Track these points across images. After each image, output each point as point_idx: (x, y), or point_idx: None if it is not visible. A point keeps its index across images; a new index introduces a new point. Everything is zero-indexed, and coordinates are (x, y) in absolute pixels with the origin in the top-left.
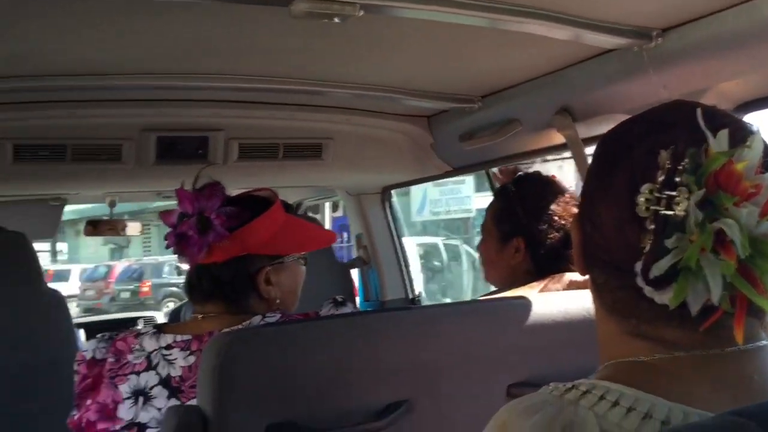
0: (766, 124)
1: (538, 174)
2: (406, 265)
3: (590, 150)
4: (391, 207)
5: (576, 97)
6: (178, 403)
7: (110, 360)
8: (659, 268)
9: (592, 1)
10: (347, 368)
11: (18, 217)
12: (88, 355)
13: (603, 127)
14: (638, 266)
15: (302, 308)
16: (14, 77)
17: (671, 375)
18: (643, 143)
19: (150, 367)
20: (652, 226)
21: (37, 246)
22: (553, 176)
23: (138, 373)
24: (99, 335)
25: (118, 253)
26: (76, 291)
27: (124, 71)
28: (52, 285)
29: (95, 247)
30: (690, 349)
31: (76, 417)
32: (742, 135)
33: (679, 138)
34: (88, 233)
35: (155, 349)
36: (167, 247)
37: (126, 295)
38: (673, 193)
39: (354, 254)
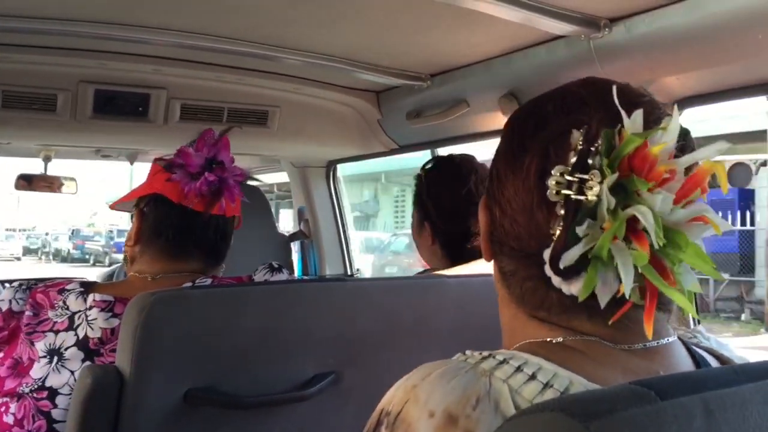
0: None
1: (448, 157)
2: (347, 242)
3: None
4: (335, 182)
5: (522, 82)
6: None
7: (28, 313)
8: (569, 257)
9: None
10: (275, 336)
11: None
12: (4, 306)
13: None
14: (547, 254)
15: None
16: None
17: (586, 356)
18: (554, 122)
19: (71, 327)
20: (562, 212)
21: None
22: (471, 158)
23: (56, 332)
24: (15, 283)
25: (364, 222)
26: None
27: (63, 16)
28: None
29: None
30: (599, 341)
31: None
32: (657, 115)
33: (592, 117)
34: (21, 188)
35: (80, 310)
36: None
37: None
38: (585, 177)
39: None
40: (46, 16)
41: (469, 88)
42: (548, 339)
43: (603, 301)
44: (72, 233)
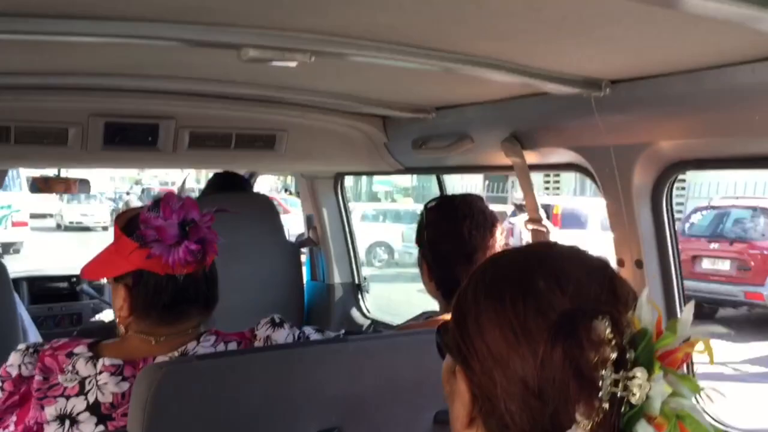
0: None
1: (448, 199)
2: (354, 250)
3: (536, 176)
4: (342, 191)
5: (524, 126)
6: (104, 429)
7: (38, 378)
8: None
9: (544, 53)
10: (279, 398)
11: None
12: (14, 372)
13: (551, 158)
14: None
15: (252, 283)
16: None
17: None
18: (558, 304)
19: (81, 392)
20: (606, 406)
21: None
22: (471, 201)
23: (68, 397)
24: (22, 347)
25: None
26: None
27: (71, 69)
28: None
29: None
30: None
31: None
32: (633, 294)
33: (607, 303)
34: (38, 190)
35: (90, 375)
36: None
37: None
38: (631, 375)
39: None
40: (57, 69)
41: (473, 124)
42: None
43: None
44: (142, 192)
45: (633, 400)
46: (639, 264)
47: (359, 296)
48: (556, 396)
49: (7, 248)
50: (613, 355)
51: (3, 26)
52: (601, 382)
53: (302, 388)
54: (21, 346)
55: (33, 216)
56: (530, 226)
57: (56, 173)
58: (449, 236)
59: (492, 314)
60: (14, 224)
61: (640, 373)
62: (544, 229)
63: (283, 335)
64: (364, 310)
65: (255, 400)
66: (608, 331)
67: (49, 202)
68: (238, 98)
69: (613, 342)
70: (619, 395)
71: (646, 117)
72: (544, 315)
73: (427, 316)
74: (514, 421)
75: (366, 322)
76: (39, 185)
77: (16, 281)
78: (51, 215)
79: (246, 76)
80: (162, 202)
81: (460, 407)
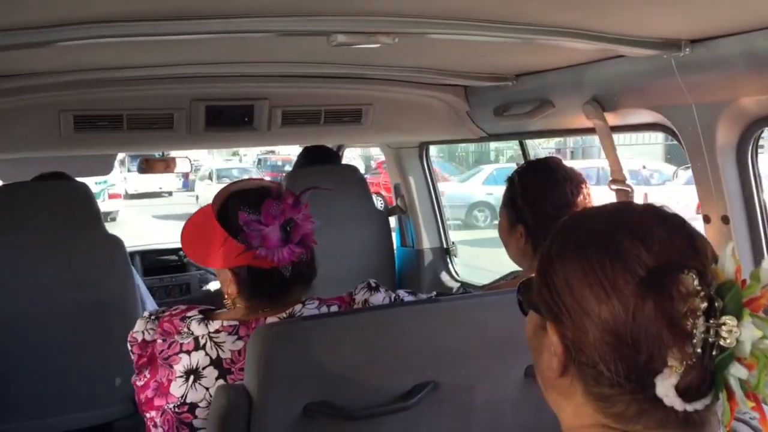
0: None
1: (542, 162)
2: (441, 215)
3: (618, 137)
4: (428, 160)
5: (605, 89)
6: (224, 383)
7: (159, 341)
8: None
9: (621, 19)
10: (377, 355)
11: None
12: (139, 337)
13: (632, 119)
14: (666, 382)
15: (347, 252)
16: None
17: None
18: (643, 259)
19: (198, 347)
20: (699, 350)
21: None
22: (561, 163)
23: (188, 353)
24: (146, 315)
25: None
26: None
27: (173, 60)
28: None
29: None
30: None
31: (139, 384)
32: (711, 248)
33: (691, 258)
34: (145, 171)
35: (204, 334)
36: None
37: None
38: (721, 322)
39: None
40: (162, 62)
41: (554, 89)
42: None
43: (727, 417)
44: (258, 162)
45: (724, 344)
46: (725, 220)
47: (448, 260)
48: (650, 344)
49: (105, 217)
50: (703, 305)
51: (121, 30)
52: (694, 330)
53: (398, 345)
54: (145, 314)
55: (131, 196)
56: (614, 187)
57: (159, 154)
58: (554, 197)
59: (581, 274)
60: (110, 197)
61: (729, 320)
62: (628, 189)
63: (379, 298)
64: (453, 274)
65: (356, 356)
66: (695, 283)
67: (159, 179)
68: (326, 77)
69: (702, 293)
70: (710, 341)
71: (727, 74)
72: (632, 272)
73: (513, 275)
74: (609, 368)
75: (455, 285)
76: (143, 165)
77: (131, 255)
78: (168, 193)
79: (332, 56)
80: (263, 209)
81: (553, 358)
